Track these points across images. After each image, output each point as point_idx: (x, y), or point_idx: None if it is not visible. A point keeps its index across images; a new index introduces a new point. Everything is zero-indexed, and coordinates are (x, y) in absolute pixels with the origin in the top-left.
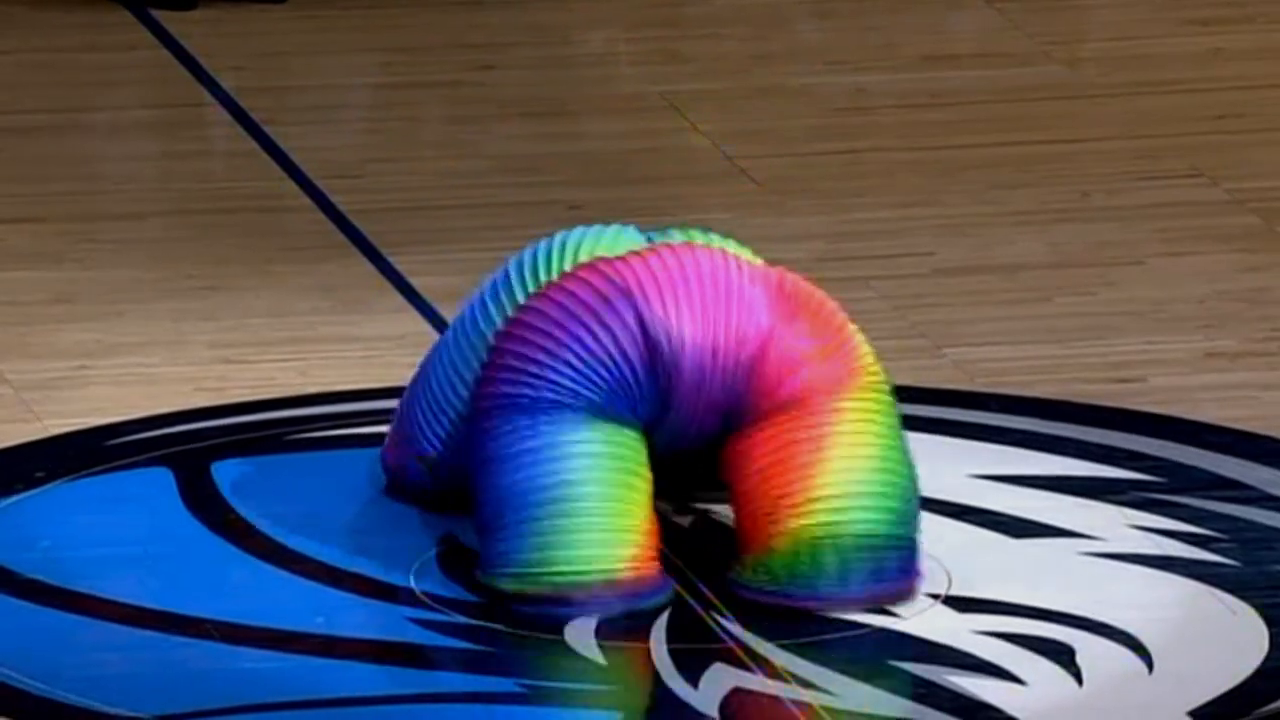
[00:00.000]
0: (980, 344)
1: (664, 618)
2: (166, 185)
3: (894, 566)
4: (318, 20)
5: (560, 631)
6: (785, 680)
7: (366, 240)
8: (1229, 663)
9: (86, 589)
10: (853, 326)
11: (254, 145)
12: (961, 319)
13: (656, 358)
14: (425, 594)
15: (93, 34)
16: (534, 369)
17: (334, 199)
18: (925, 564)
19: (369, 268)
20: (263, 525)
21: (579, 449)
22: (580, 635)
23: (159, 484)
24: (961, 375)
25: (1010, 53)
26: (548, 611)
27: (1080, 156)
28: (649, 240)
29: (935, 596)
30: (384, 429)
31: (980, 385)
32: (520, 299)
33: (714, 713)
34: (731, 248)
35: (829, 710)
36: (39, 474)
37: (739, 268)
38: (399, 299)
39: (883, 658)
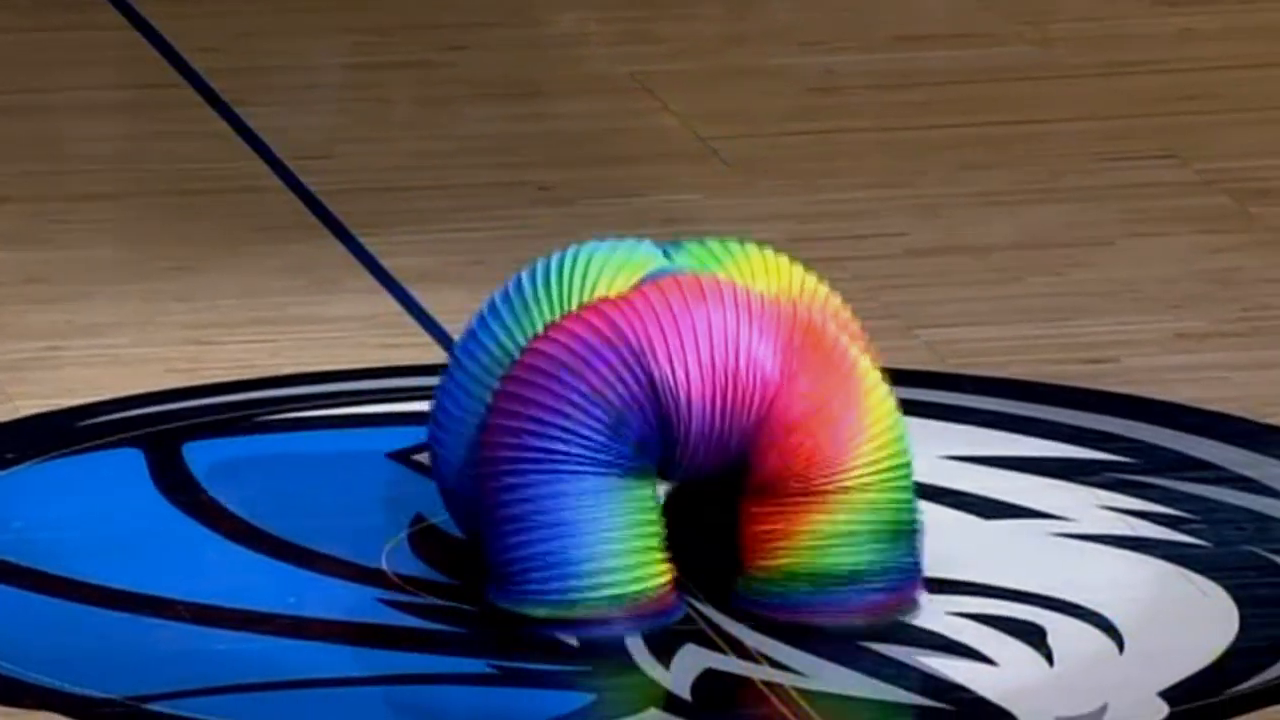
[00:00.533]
0: (952, 325)
1: None
2: (137, 166)
3: (894, 585)
4: (288, 0)
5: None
6: (757, 661)
7: (338, 221)
8: (1199, 643)
9: (57, 570)
10: (865, 362)
11: (225, 126)
12: (933, 300)
13: (666, 420)
14: (397, 575)
15: (62, 14)
16: (549, 430)
17: (305, 180)
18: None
19: (340, 248)
20: (234, 506)
21: (594, 486)
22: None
23: (130, 465)
24: (933, 356)
25: (982, 33)
26: (566, 632)
27: (1051, 137)
28: (665, 254)
29: None
30: (357, 409)
31: (952, 366)
32: (535, 313)
33: (686, 694)
34: (741, 256)
35: (800, 691)
36: (9, 455)
37: (749, 321)
38: (370, 279)
39: (853, 639)
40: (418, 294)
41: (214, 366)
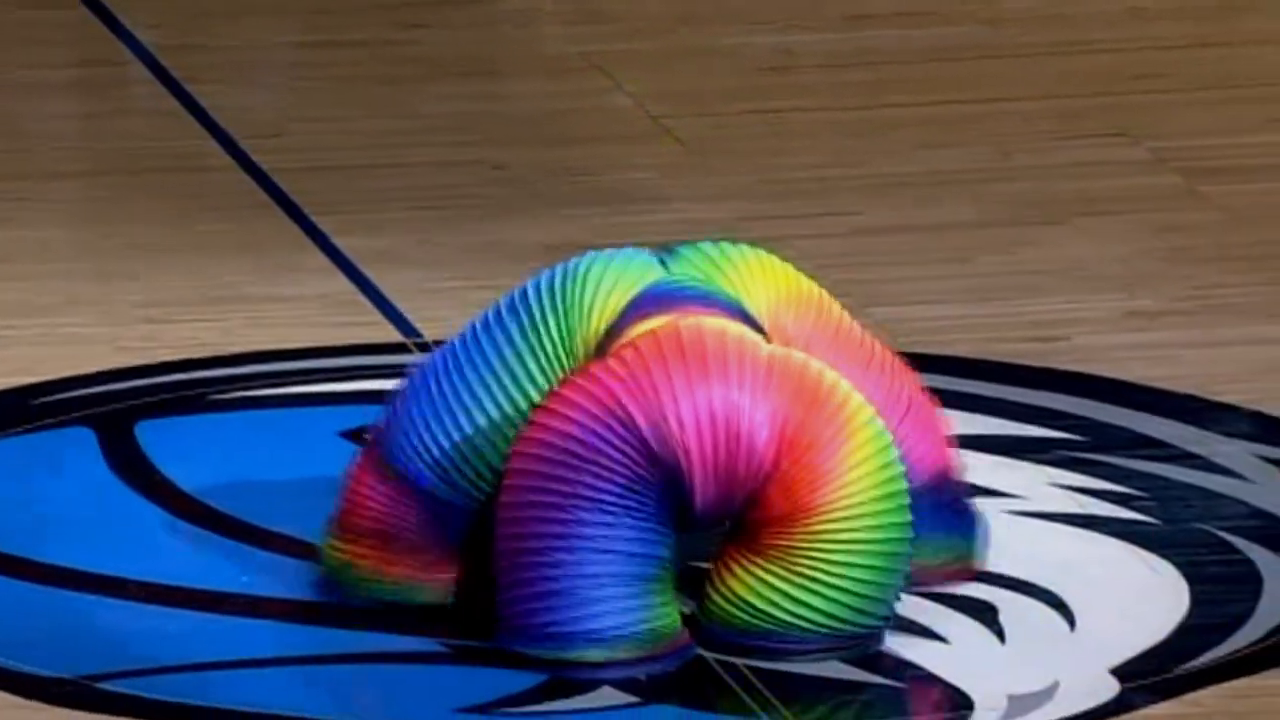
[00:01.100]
0: (904, 304)
1: None
2: (88, 145)
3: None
4: None
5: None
6: None
7: (290, 200)
8: (1150, 620)
9: (9, 549)
10: (862, 416)
11: (175, 104)
12: (885, 279)
13: (674, 488)
14: None
15: None
16: (565, 515)
17: (257, 159)
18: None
19: (292, 228)
20: (186, 485)
21: (609, 546)
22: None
23: (82, 444)
24: (885, 335)
25: (933, 12)
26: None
27: (1002, 116)
28: (661, 262)
29: None
30: (309, 388)
31: (904, 345)
32: (544, 332)
33: (640, 673)
34: (736, 263)
35: (753, 669)
36: None
37: (750, 384)
38: (323, 259)
39: None
40: (371, 273)
41: (166, 346)
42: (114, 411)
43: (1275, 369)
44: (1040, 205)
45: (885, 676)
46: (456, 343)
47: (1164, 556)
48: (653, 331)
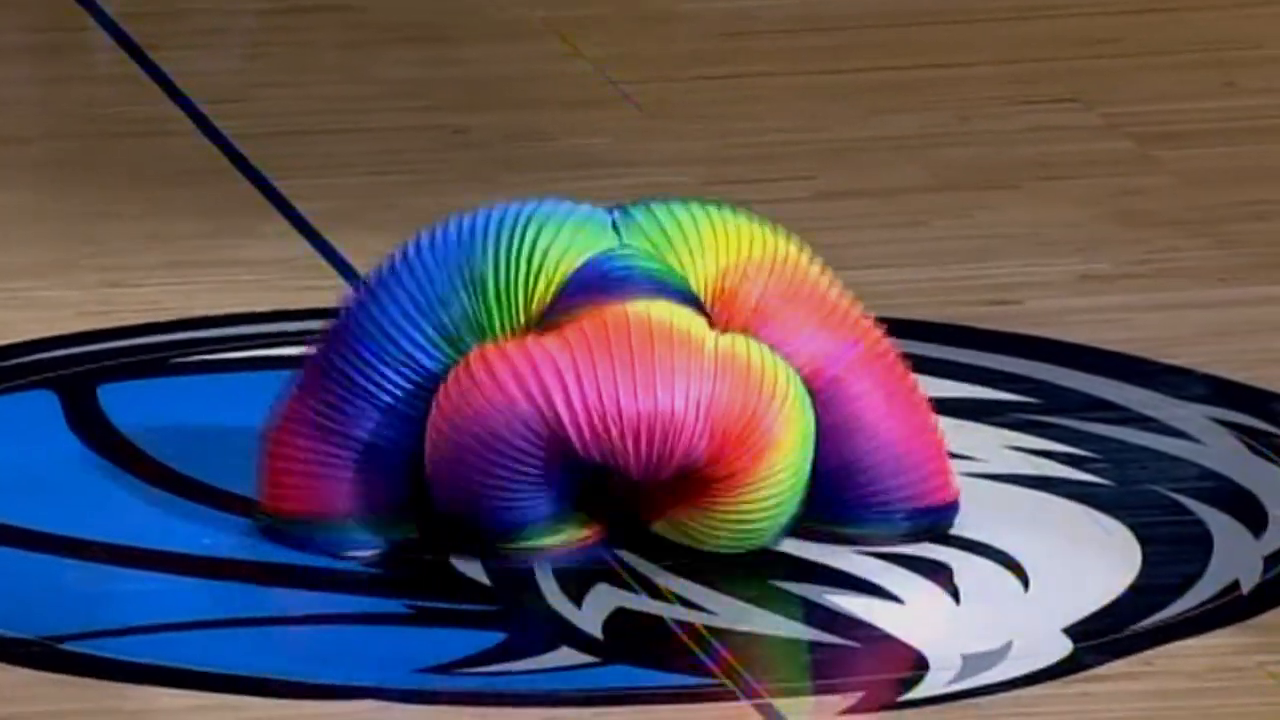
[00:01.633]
0: (861, 267)
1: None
2: (49, 110)
3: None
4: None
5: (445, 554)
6: (668, 600)
7: (251, 165)
8: (1103, 581)
9: None
10: (797, 407)
11: (137, 70)
12: (842, 243)
13: (592, 469)
14: None
15: None
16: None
17: (218, 124)
18: None
19: (254, 192)
20: (148, 448)
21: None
22: (466, 557)
23: (44, 407)
24: None
25: None
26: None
27: (958, 82)
28: (613, 222)
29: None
30: (271, 351)
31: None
32: (491, 284)
33: (598, 632)
34: (690, 230)
35: (710, 629)
36: None
37: (691, 401)
38: (284, 223)
39: (763, 578)
40: (332, 237)
41: (128, 309)
42: (76, 374)
43: (1227, 332)
44: (995, 170)
45: (841, 636)
46: (405, 272)
47: (1117, 517)
48: (600, 316)
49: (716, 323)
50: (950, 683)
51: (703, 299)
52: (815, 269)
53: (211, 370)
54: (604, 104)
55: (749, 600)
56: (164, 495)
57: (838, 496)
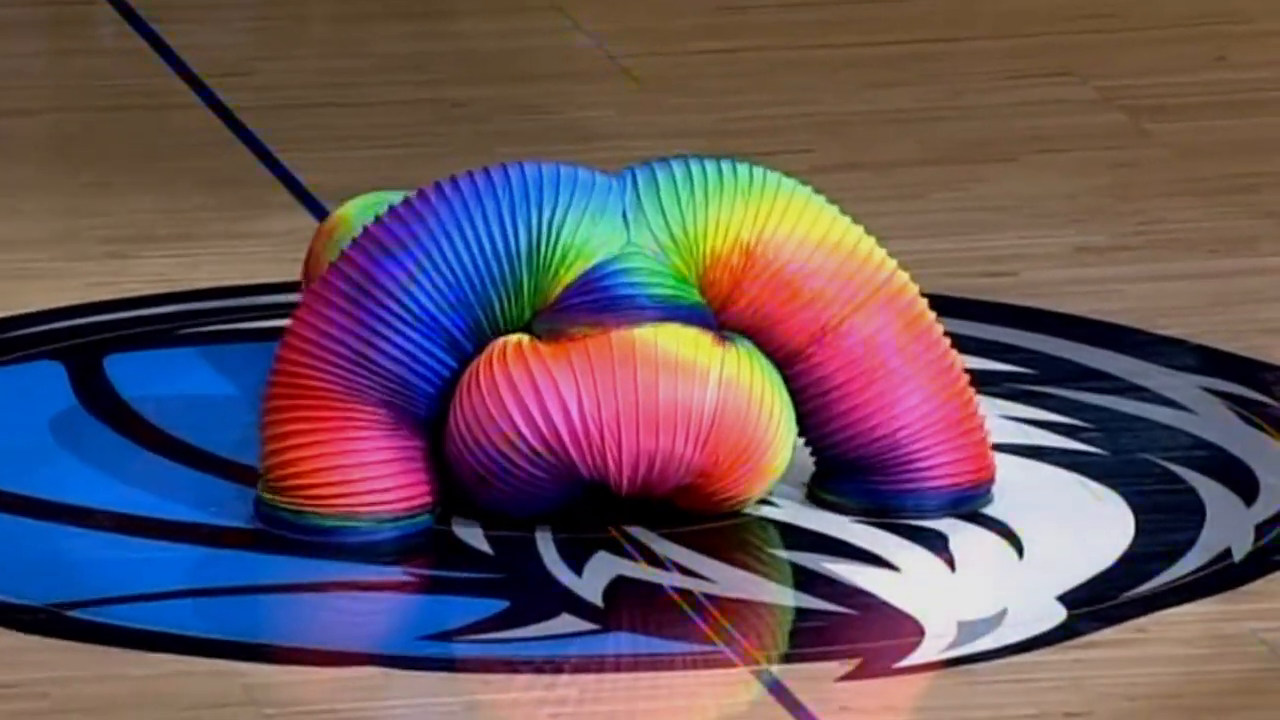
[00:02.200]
0: None
1: None
2: (56, 83)
3: None
4: None
5: (448, 523)
6: (666, 569)
7: (254, 138)
8: (1096, 548)
9: None
10: (786, 417)
11: (142, 43)
12: None
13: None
14: None
15: None
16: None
17: (222, 97)
18: None
19: (258, 165)
20: (155, 418)
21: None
22: (467, 525)
23: (52, 377)
24: None
25: None
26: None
27: (953, 56)
28: (624, 216)
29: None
30: (275, 323)
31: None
32: (510, 273)
33: (598, 600)
34: (700, 227)
35: (709, 597)
36: None
37: (680, 426)
38: (287, 195)
39: (761, 546)
40: (334, 209)
41: (134, 281)
42: (83, 345)
43: (1219, 303)
44: (990, 144)
45: (838, 604)
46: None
47: (1110, 486)
48: (606, 342)
49: (730, 306)
50: (946, 649)
51: (713, 271)
52: (842, 235)
53: (217, 341)
54: (603, 77)
55: (747, 568)
56: (170, 464)
57: (876, 474)
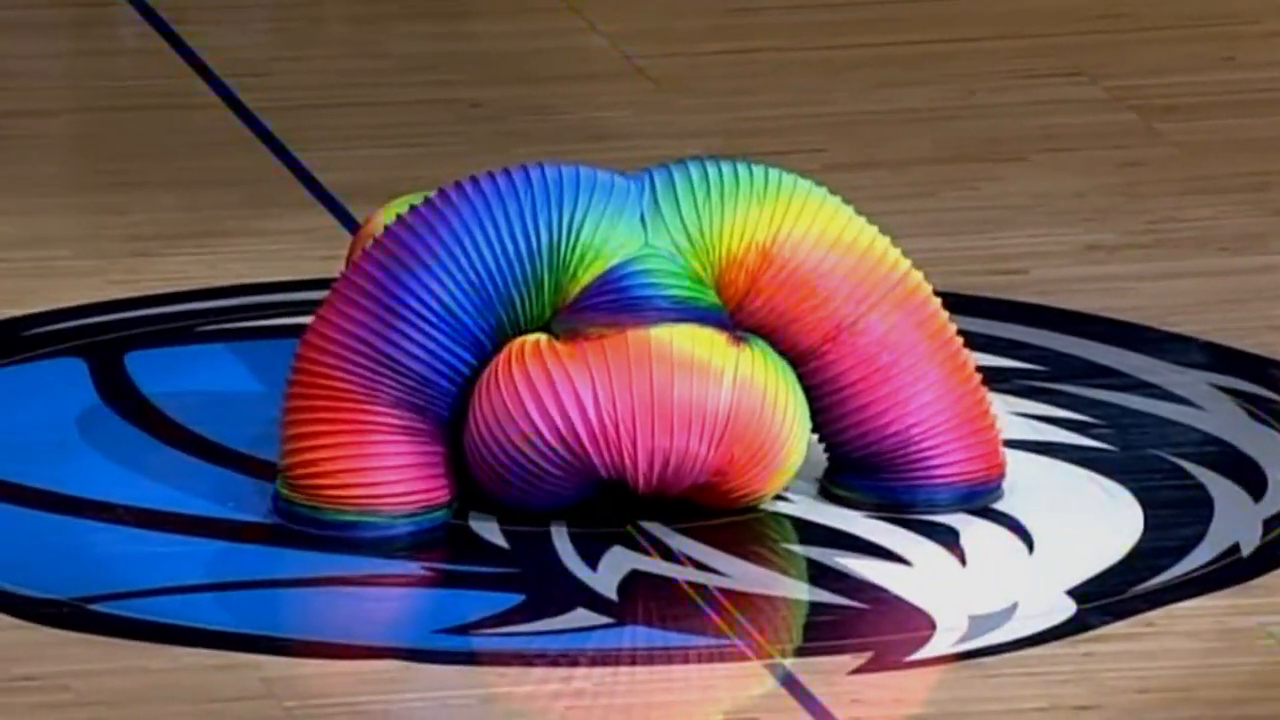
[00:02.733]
0: None
1: None
2: (77, 82)
3: None
4: None
5: (465, 518)
6: (681, 563)
7: (273, 137)
8: (1106, 543)
9: (3, 475)
10: (800, 416)
11: (163, 44)
12: None
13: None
14: None
15: None
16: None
17: (241, 96)
18: None
19: (276, 164)
20: (175, 414)
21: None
22: (484, 520)
23: (74, 374)
24: None
25: None
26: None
27: (964, 56)
28: (641, 219)
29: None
30: (294, 320)
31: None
32: (530, 270)
33: (613, 594)
34: (717, 229)
35: (723, 591)
36: None
37: (695, 426)
38: (306, 194)
39: (774, 541)
40: (352, 208)
41: (153, 278)
42: (104, 342)
43: (1228, 300)
44: (1001, 143)
45: (851, 598)
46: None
47: (1120, 482)
48: (623, 342)
49: (746, 306)
50: (957, 643)
51: (729, 272)
52: (856, 235)
53: (236, 338)
54: (618, 78)
55: (761, 563)
56: (189, 460)
57: (889, 470)
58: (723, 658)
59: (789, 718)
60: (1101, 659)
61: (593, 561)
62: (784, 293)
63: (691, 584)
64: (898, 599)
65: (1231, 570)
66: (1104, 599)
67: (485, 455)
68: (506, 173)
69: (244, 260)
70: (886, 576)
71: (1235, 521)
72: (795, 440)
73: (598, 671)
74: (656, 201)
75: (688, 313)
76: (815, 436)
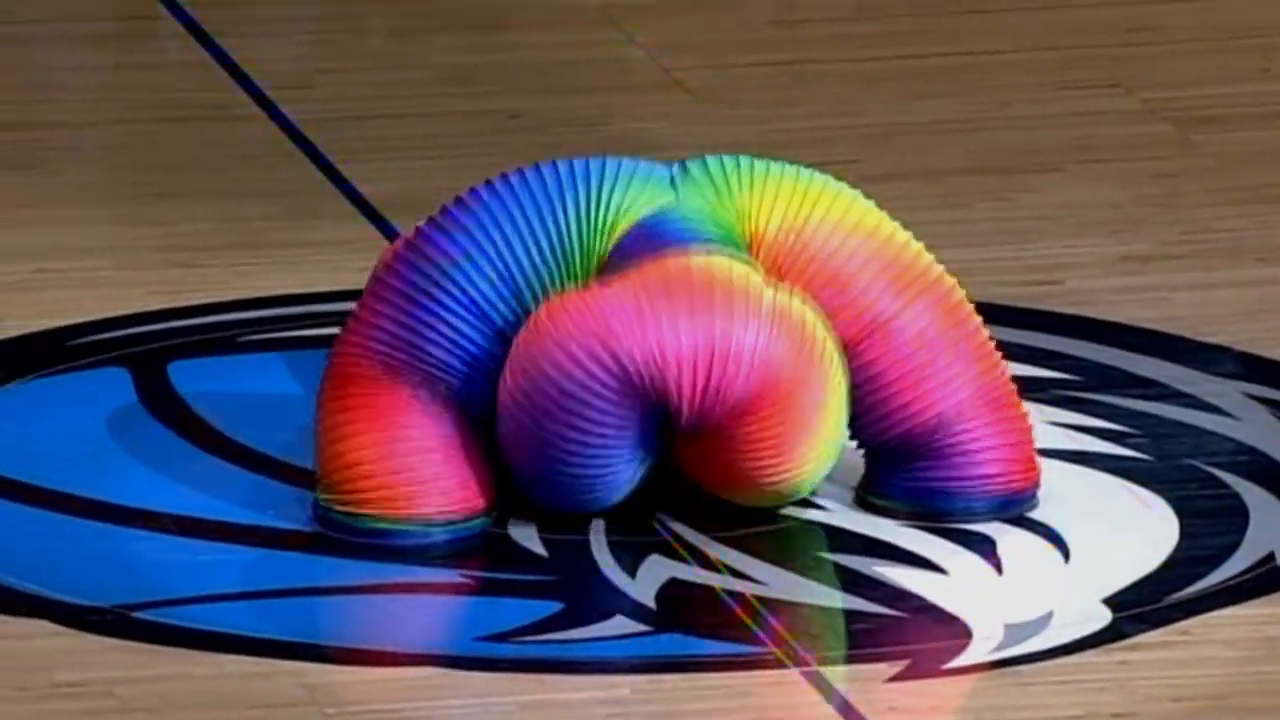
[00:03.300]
0: None
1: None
2: (120, 95)
3: None
4: None
5: (504, 526)
6: (719, 571)
7: (315, 148)
8: (1141, 553)
9: (47, 483)
10: (835, 359)
11: (206, 56)
12: None
13: (653, 418)
14: None
15: None
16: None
17: (283, 108)
18: None
19: (317, 175)
20: (217, 423)
21: None
22: (522, 528)
23: (117, 383)
24: None
25: None
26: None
27: (999, 67)
28: (671, 178)
29: (859, 491)
30: (334, 330)
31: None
32: (561, 240)
33: (651, 602)
34: (745, 186)
35: (760, 599)
36: (0, 373)
37: (736, 331)
38: (346, 205)
39: (811, 549)
40: (393, 219)
41: (195, 289)
42: (147, 352)
43: (1263, 310)
44: (1036, 153)
45: (887, 606)
46: (464, 239)
47: (1155, 491)
48: (662, 264)
49: (771, 279)
50: (993, 651)
51: (757, 254)
52: (891, 232)
53: (277, 348)
54: (656, 90)
55: (797, 571)
56: (231, 468)
57: (922, 477)
58: (760, 666)
59: None
60: (1137, 667)
61: (631, 569)
62: (817, 283)
63: (729, 592)
64: (934, 607)
65: (1267, 579)
66: (1140, 608)
67: (522, 402)
68: (535, 166)
69: (285, 271)
70: (923, 585)
71: (1270, 530)
72: (833, 382)
73: (636, 679)
74: (687, 172)
75: (724, 250)
76: (853, 444)
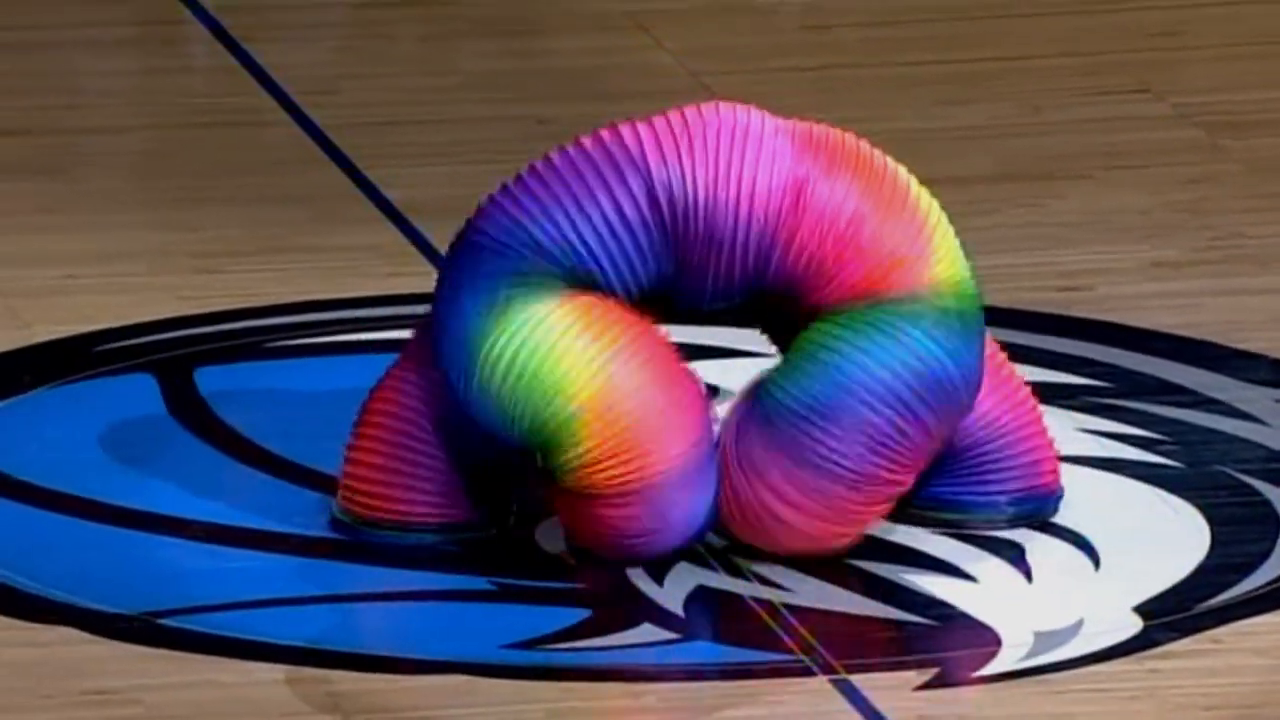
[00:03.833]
0: None
1: None
2: (148, 100)
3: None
4: None
5: (531, 533)
6: (746, 578)
7: (342, 154)
8: (1172, 560)
9: (74, 490)
10: (926, 200)
11: (233, 62)
12: None
13: (665, 223)
14: None
15: None
16: (526, 227)
17: (311, 114)
18: None
19: (344, 180)
20: (244, 429)
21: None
22: (550, 535)
23: (144, 389)
24: None
25: None
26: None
27: (1028, 73)
28: None
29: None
30: (361, 336)
31: None
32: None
33: (679, 609)
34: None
35: (788, 607)
36: (27, 379)
37: (762, 121)
38: (373, 210)
39: (839, 557)
40: (420, 224)
41: (222, 294)
42: (174, 358)
43: None
44: (1065, 159)
45: (916, 614)
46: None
47: (1186, 498)
48: (698, 113)
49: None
50: (1023, 659)
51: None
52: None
53: (304, 354)
54: (685, 95)
55: (826, 579)
56: (258, 475)
57: (943, 480)
58: (788, 673)
59: None
60: (1168, 675)
61: (659, 576)
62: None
63: (757, 600)
64: (964, 615)
65: None
66: (1170, 615)
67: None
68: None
69: (312, 276)
70: (952, 592)
71: None
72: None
73: (663, 687)
74: None
75: None
76: None
